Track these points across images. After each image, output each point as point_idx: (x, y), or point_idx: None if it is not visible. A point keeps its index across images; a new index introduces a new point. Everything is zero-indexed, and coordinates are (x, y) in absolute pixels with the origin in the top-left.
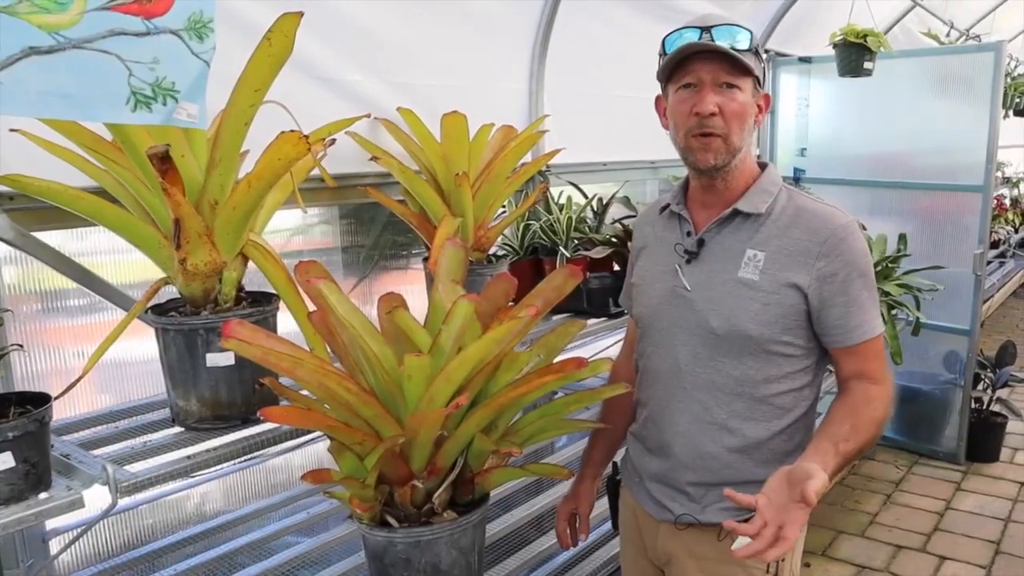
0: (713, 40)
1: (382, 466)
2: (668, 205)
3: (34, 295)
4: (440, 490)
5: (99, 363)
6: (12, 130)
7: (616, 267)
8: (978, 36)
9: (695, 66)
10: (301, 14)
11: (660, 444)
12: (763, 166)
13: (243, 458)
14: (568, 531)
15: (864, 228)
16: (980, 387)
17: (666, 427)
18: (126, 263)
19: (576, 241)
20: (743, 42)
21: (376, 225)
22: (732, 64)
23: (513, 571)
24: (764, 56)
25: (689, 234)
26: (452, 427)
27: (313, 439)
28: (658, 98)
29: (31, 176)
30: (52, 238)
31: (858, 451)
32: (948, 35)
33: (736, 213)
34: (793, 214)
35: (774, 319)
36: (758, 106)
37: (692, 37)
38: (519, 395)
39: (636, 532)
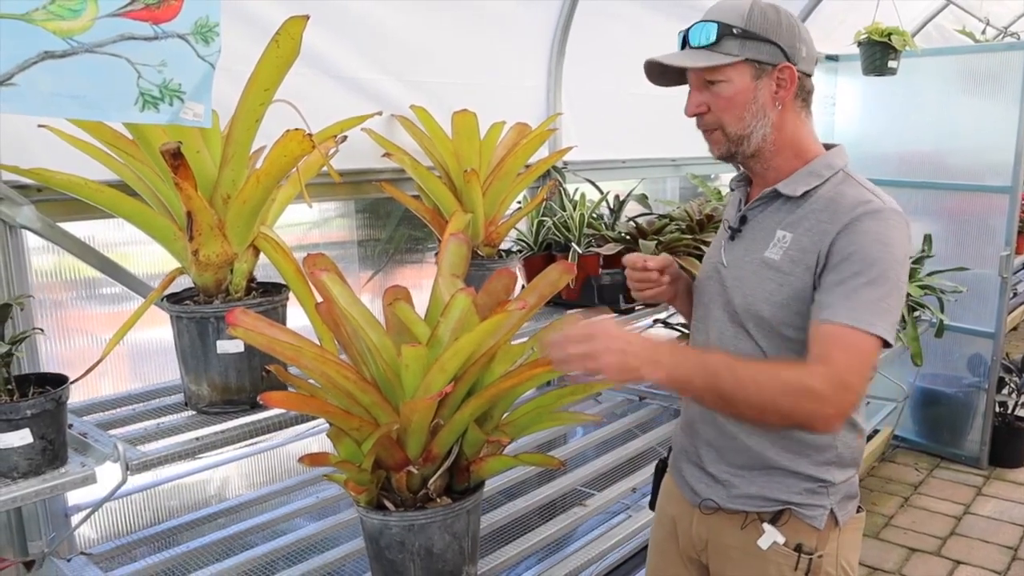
0: (690, 42)
1: (380, 452)
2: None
3: (68, 283)
4: (435, 476)
5: (127, 348)
6: (40, 126)
7: None
8: (1016, 34)
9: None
10: (307, 17)
11: (689, 419)
12: (830, 148)
13: (251, 441)
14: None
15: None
16: (1005, 391)
17: (692, 401)
18: (161, 251)
19: (589, 237)
20: (709, 37)
21: (392, 219)
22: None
23: (511, 557)
24: (764, 33)
25: (739, 211)
26: (447, 416)
27: (323, 426)
28: None
29: (54, 170)
30: (88, 227)
31: (729, 375)
32: (984, 32)
33: (777, 194)
34: (831, 198)
35: (786, 301)
36: (777, 81)
37: (667, 52)
38: (510, 386)
39: (669, 519)
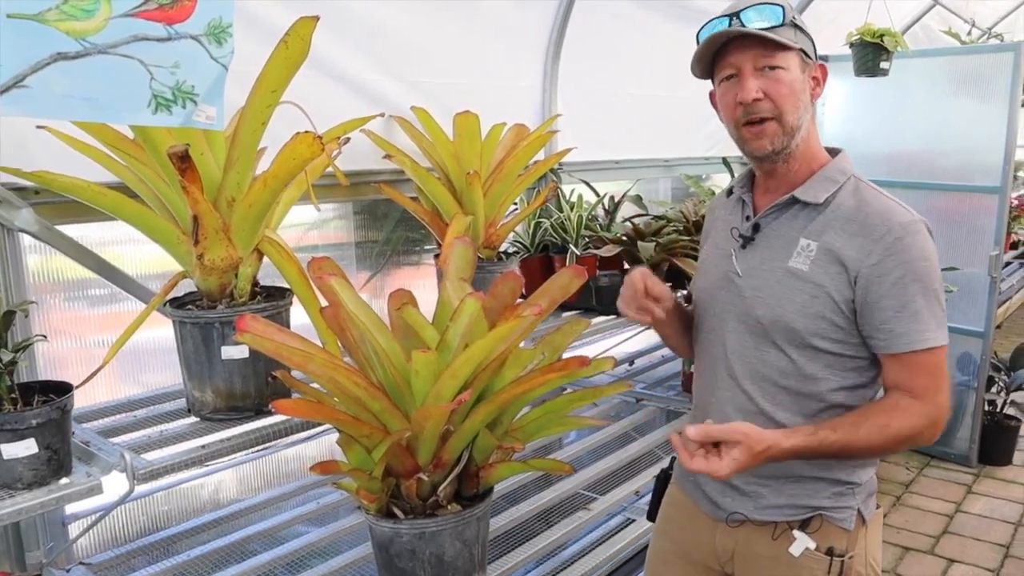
0: (743, 25)
1: (389, 459)
2: (733, 188)
3: (59, 284)
4: (445, 483)
5: (123, 351)
6: (39, 127)
7: (626, 265)
8: (1000, 35)
9: (731, 56)
10: (317, 18)
11: None
12: (835, 152)
13: (256, 448)
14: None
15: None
16: (993, 390)
17: (712, 415)
18: (156, 251)
19: (587, 239)
20: (775, 18)
21: (390, 221)
22: (768, 45)
23: (518, 564)
24: (805, 27)
25: (748, 219)
26: (457, 422)
27: (324, 431)
28: (711, 93)
29: (56, 173)
30: (80, 226)
31: (846, 450)
32: (969, 34)
33: (795, 200)
34: (854, 207)
35: (820, 313)
36: (814, 78)
37: (721, 26)
38: (522, 392)
39: (677, 530)
